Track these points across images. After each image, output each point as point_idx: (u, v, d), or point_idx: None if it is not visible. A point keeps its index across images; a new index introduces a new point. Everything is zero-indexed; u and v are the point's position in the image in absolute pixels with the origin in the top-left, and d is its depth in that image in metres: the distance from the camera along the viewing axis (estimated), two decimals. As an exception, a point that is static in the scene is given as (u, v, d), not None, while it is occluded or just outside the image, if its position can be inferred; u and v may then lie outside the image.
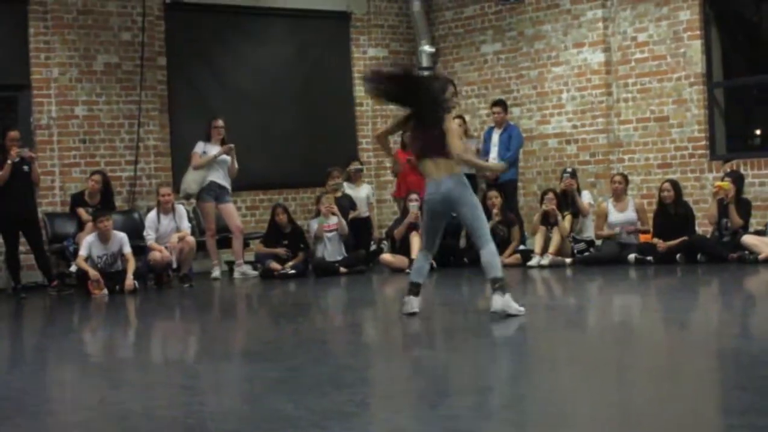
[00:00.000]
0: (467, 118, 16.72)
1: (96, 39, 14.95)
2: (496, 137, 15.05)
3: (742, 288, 11.22)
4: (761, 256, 12.43)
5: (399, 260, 14.19)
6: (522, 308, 8.82)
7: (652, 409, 5.39)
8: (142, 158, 15.20)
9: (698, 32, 14.43)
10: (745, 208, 13.13)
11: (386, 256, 14.56)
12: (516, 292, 11.83)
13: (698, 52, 14.44)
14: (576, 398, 5.82)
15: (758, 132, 16.60)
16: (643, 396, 5.78)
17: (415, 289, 9.23)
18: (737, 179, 13.27)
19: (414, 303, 9.21)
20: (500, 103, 15.08)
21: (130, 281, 12.71)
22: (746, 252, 12.66)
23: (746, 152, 14.89)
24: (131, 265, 12.87)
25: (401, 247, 14.36)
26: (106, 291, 12.58)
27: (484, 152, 15.21)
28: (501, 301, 8.77)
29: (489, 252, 8.88)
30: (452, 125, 9.02)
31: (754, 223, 13.45)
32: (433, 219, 9.26)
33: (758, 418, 4.91)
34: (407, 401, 5.91)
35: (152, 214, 13.66)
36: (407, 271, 13.73)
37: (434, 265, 14.24)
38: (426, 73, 17.26)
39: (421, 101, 8.96)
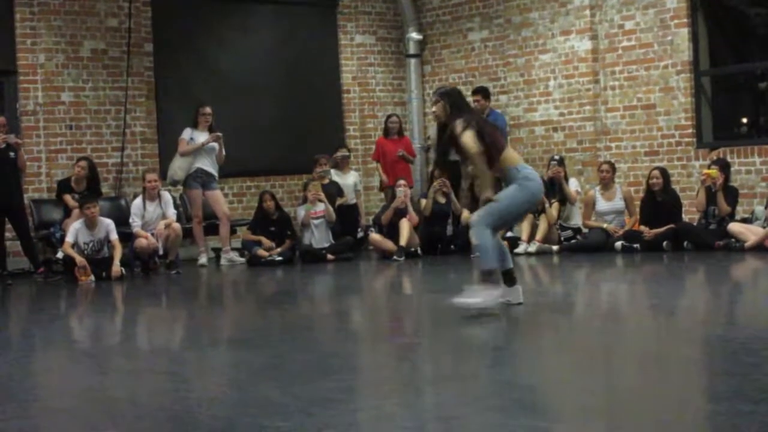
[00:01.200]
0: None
1: (82, 25, 14.90)
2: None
3: (729, 275, 11.26)
4: (747, 244, 12.47)
5: (387, 243, 14.15)
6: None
7: (639, 395, 5.40)
8: (128, 145, 15.18)
9: (685, 20, 14.45)
10: (732, 195, 13.18)
11: (375, 236, 14.47)
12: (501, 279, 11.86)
13: (685, 40, 14.46)
14: (562, 385, 5.84)
15: (745, 120, 16.64)
16: (629, 382, 5.80)
17: (510, 276, 8.61)
18: (724, 167, 13.32)
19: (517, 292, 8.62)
20: (479, 91, 14.92)
21: (116, 268, 12.69)
22: (732, 240, 12.71)
23: (733, 140, 14.93)
24: (118, 252, 12.85)
25: (389, 233, 14.33)
26: (92, 277, 12.56)
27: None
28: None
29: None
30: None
31: (740, 210, 13.49)
32: (531, 203, 8.81)
33: (743, 404, 4.92)
34: (394, 388, 5.91)
35: (138, 200, 13.63)
36: (395, 257, 13.75)
37: (419, 251, 14.32)
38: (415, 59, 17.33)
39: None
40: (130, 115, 15.17)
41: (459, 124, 8.36)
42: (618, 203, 13.94)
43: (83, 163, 13.80)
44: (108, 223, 13.00)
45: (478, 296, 8.23)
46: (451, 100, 8.59)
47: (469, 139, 8.25)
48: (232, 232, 14.79)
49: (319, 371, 6.28)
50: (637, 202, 13.85)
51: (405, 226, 14.11)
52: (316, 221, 14.26)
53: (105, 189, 14.56)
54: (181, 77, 15.75)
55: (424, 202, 14.74)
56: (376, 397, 5.67)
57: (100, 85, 15.02)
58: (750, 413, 4.77)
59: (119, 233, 13.06)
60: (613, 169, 14.14)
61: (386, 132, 15.98)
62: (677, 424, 4.80)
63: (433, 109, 8.73)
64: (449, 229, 14.52)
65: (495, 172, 8.43)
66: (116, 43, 15.12)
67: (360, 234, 15.44)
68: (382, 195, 16.13)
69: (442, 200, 14.60)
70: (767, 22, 15.38)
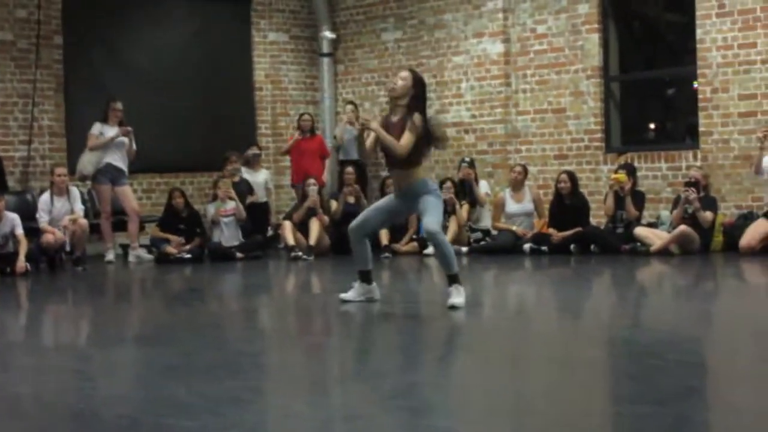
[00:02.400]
0: (367, 105, 16.76)
1: (-10, 16, 14.68)
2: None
3: (634, 279, 11.41)
4: (653, 248, 12.66)
5: (300, 237, 14.05)
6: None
7: (544, 397, 5.46)
8: (36, 138, 14.97)
9: (596, 26, 14.63)
10: (639, 200, 13.38)
11: (288, 227, 14.26)
12: (412, 280, 11.92)
13: (596, 45, 14.64)
14: (469, 386, 5.87)
15: (652, 126, 16.89)
16: (535, 384, 5.85)
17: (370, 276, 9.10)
18: (631, 171, 13.52)
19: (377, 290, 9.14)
20: None
21: (21, 263, 12.49)
22: (638, 243, 12.90)
23: (640, 146, 15.14)
24: (23, 247, 12.65)
25: (300, 232, 14.26)
26: (-4, 273, 12.39)
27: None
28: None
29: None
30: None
31: (647, 215, 13.70)
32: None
33: (646, 406, 5.00)
34: (302, 387, 5.91)
35: (45, 195, 13.44)
36: (304, 257, 13.70)
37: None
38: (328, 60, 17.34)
39: None
40: (38, 108, 14.97)
41: (417, 121, 8.47)
42: (527, 205, 14.07)
43: (-13, 156, 13.61)
44: (13, 218, 12.79)
45: (461, 296, 8.58)
46: (418, 90, 8.63)
47: (409, 142, 8.44)
48: (141, 228, 14.66)
49: (227, 370, 6.26)
50: (546, 205, 14.00)
51: (315, 226, 14.09)
52: (225, 219, 14.18)
53: (11, 183, 14.35)
54: (92, 71, 15.56)
55: (334, 203, 14.74)
56: (284, 397, 5.66)
57: (8, 77, 14.80)
58: (652, 415, 4.85)
59: (25, 228, 12.85)
60: (525, 171, 14.27)
61: (299, 130, 15.98)
62: (581, 425, 4.86)
63: (399, 82, 8.60)
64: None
65: (402, 173, 8.65)
66: (25, 34, 14.90)
67: (270, 232, 15.40)
68: (293, 193, 16.10)
69: (352, 200, 14.62)
70: (677, 30, 15.63)
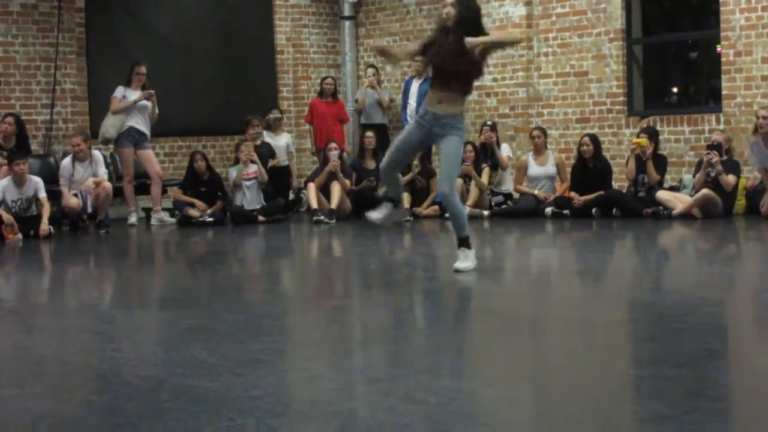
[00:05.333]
0: (388, 68, 16.72)
1: (12, -21, 14.69)
2: (415, 87, 15.13)
3: (656, 242, 11.39)
4: (675, 212, 12.63)
5: (323, 200, 14.06)
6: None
7: (565, 360, 5.46)
8: (58, 102, 15.01)
9: (619, -12, 14.54)
10: (661, 164, 13.33)
11: (312, 191, 14.31)
12: (433, 243, 11.93)
13: (618, 8, 14.54)
14: (490, 349, 5.88)
15: (675, 89, 16.81)
16: (556, 347, 5.86)
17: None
18: (653, 135, 13.46)
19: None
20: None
21: (45, 226, 12.56)
22: (660, 207, 12.86)
23: (663, 109, 15.07)
24: (46, 210, 12.72)
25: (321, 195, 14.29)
26: (20, 236, 12.42)
27: (403, 104, 15.37)
28: None
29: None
30: None
31: (669, 179, 13.65)
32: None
33: (667, 369, 4.99)
34: (323, 349, 5.93)
35: (67, 160, 13.46)
36: (326, 220, 13.72)
37: None
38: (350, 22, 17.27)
39: None
40: (60, 72, 14.99)
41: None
42: (550, 169, 14.04)
43: (10, 119, 13.62)
44: (37, 181, 12.85)
45: (468, 260, 8.49)
46: (467, 14, 8.75)
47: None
48: (163, 192, 14.70)
49: (249, 332, 6.28)
50: (568, 169, 13.97)
51: (336, 190, 14.10)
52: (247, 182, 14.20)
53: (34, 147, 14.39)
54: (113, 34, 15.55)
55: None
56: (305, 359, 5.68)
57: (30, 41, 14.82)
58: (674, 377, 4.84)
59: (48, 191, 12.92)
60: (544, 134, 14.23)
61: (321, 93, 15.97)
62: (602, 387, 4.86)
63: (447, 9, 8.76)
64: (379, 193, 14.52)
65: (449, 96, 8.46)
66: (47, -3, 14.92)
67: (291, 196, 15.42)
68: (315, 158, 16.10)
69: (372, 165, 14.62)
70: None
